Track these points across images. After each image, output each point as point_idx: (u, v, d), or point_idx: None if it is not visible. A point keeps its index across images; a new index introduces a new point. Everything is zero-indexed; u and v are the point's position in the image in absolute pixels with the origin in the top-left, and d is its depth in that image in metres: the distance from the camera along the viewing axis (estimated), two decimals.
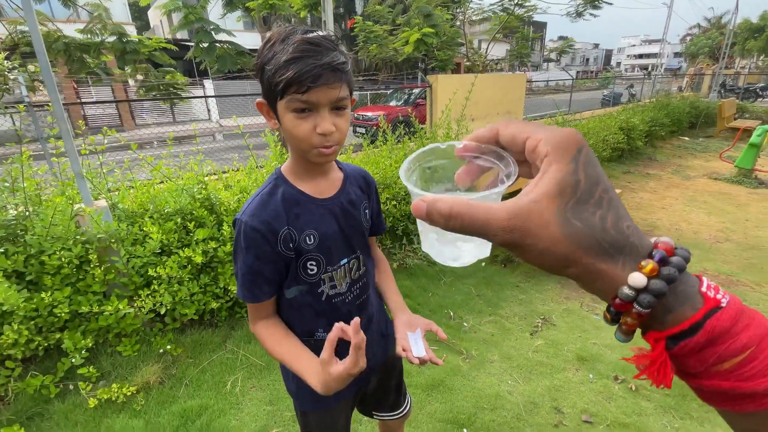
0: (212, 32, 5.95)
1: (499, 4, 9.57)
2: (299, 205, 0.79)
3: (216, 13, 7.48)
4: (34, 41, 1.68)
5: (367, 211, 0.91)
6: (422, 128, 4.00)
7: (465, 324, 2.40)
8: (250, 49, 6.83)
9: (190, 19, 5.71)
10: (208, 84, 14.67)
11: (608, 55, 69.71)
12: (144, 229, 1.96)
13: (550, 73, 34.86)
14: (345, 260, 0.86)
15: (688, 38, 34.86)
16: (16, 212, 1.83)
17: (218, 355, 2.08)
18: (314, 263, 0.82)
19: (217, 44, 6.03)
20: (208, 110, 14.06)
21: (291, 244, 0.78)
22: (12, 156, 1.90)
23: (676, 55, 49.72)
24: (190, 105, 13.29)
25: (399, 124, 3.94)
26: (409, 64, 17.28)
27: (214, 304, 2.09)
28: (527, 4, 9.49)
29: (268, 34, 0.70)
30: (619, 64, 70.54)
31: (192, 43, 6.28)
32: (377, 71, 19.64)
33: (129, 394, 1.81)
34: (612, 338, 2.26)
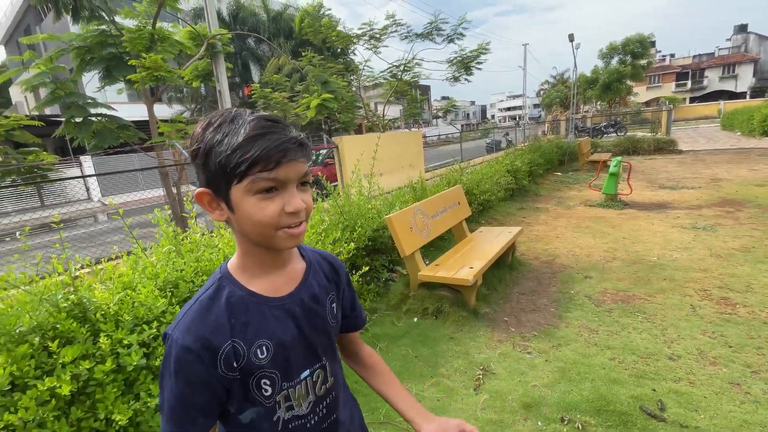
0: (87, 106, 5.36)
1: (389, 71, 10.57)
2: (248, 311, 0.66)
3: (94, 86, 6.84)
4: None
5: (334, 305, 0.79)
6: (335, 186, 3.98)
7: None
8: (134, 122, 6.31)
9: (58, 94, 5.08)
10: (87, 161, 13.11)
11: (483, 109, 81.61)
12: None
13: (440, 128, 39.10)
14: (307, 372, 0.72)
15: (541, 92, 42.58)
16: None
17: None
18: (268, 381, 0.67)
19: (93, 119, 5.43)
20: (87, 189, 12.41)
21: (235, 363, 0.64)
22: None
23: (536, 106, 60.10)
24: (63, 186, 11.57)
25: (312, 184, 3.88)
26: (312, 126, 17.80)
27: None
28: (413, 71, 10.65)
29: (202, 119, 0.64)
30: (493, 116, 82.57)
31: (62, 118, 5.56)
32: None
33: None
34: (548, 375, 2.29)
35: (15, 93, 20.49)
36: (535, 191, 7.91)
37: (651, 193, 7.12)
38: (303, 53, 9.43)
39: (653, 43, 26.45)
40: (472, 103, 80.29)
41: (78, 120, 5.21)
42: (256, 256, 0.68)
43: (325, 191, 3.82)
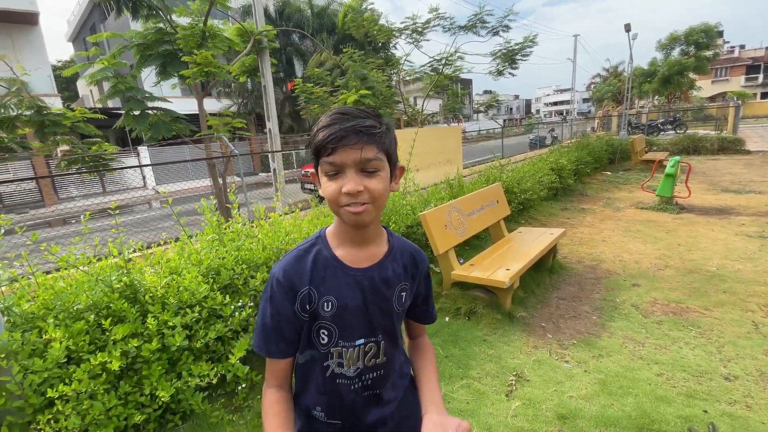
0: (144, 100, 5.73)
1: (429, 65, 10.41)
2: (327, 269, 0.78)
3: (151, 81, 7.32)
4: None
5: (404, 293, 0.84)
6: None
7: None
8: (187, 115, 6.65)
9: (119, 88, 5.47)
10: (144, 151, 14.05)
11: (528, 104, 78.41)
12: (45, 335, 1.60)
13: (480, 122, 38.13)
14: (361, 341, 0.81)
15: (592, 86, 40.24)
16: None
17: None
18: (326, 333, 0.79)
19: (150, 112, 5.79)
20: (143, 178, 13.33)
21: (308, 306, 0.78)
22: None
23: (585, 100, 56.92)
24: (122, 174, 12.51)
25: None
26: None
27: (139, 417, 1.71)
28: (454, 65, 10.42)
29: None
30: (538, 111, 79.22)
31: (122, 111, 5.99)
32: None
33: None
34: (587, 387, 2.18)
35: (81, 86, 22.31)
36: (581, 191, 7.51)
37: (712, 196, 6.53)
38: (344, 49, 9.50)
39: (720, 33, 24.08)
40: (516, 97, 77.42)
41: (136, 113, 5.59)
42: (342, 228, 0.79)
43: None
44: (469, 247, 4.30)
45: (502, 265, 3.07)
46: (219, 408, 1.94)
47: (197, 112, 6.42)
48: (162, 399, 1.72)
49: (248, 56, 7.12)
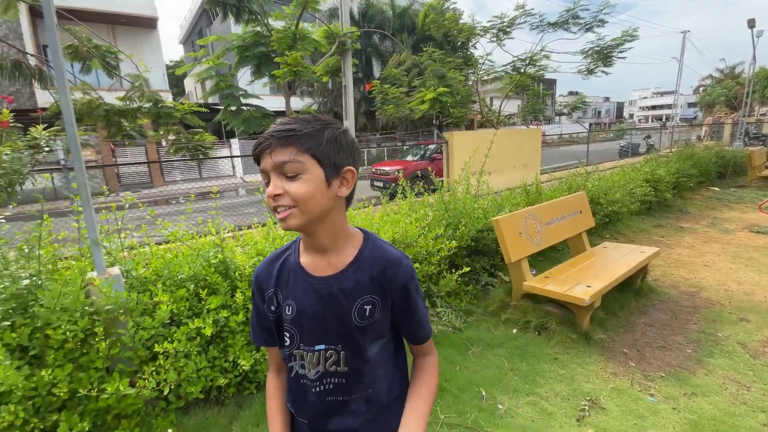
0: (240, 97, 6.32)
1: (511, 64, 9.97)
2: (290, 275, 0.80)
3: (246, 80, 8.07)
4: (64, 112, 1.73)
5: (369, 307, 0.78)
6: (440, 181, 3.97)
7: (500, 406, 2.12)
8: (275, 111, 7.19)
9: (221, 86, 6.10)
10: (235, 143, 15.50)
11: (620, 107, 71.16)
12: (155, 297, 1.86)
13: (563, 126, 35.55)
14: (322, 346, 0.80)
15: (701, 89, 35.31)
16: (28, 281, 1.77)
17: None
18: (288, 335, 0.81)
19: (244, 108, 6.37)
20: (233, 167, 14.70)
21: (272, 307, 0.82)
22: (34, 222, 1.89)
23: (690, 105, 50.18)
24: (216, 163, 13.95)
25: (417, 179, 3.94)
26: (423, 121, 17.96)
27: (222, 381, 1.91)
28: (538, 64, 9.86)
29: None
30: (631, 115, 71.58)
31: (221, 107, 6.67)
32: (394, 129, 20.48)
33: None
34: (675, 426, 1.94)
35: (188, 83, 25.25)
36: (680, 207, 6.65)
37: None
38: (424, 48, 9.50)
39: None
40: (606, 99, 70.63)
41: (233, 108, 6.18)
42: (303, 236, 0.80)
43: (432, 186, 3.83)
44: (543, 259, 4.06)
45: (581, 281, 2.85)
46: None
47: (283, 109, 6.91)
48: (243, 367, 1.90)
49: (332, 57, 7.47)
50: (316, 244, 0.77)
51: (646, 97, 72.43)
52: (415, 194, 3.70)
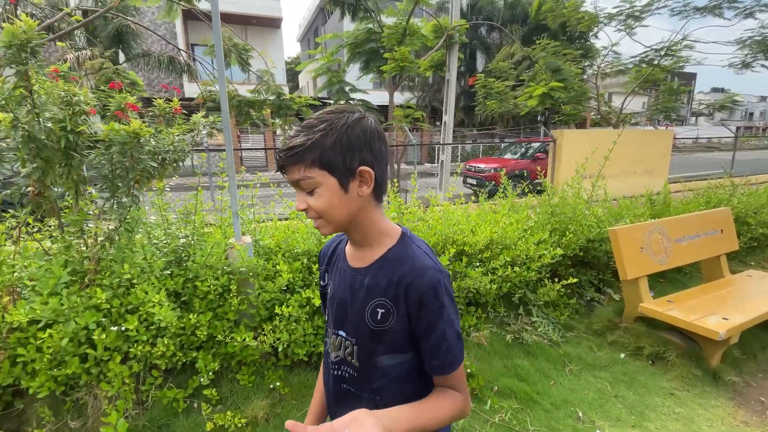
0: (348, 92, 6.72)
1: (643, 55, 8.76)
2: (337, 259, 0.85)
3: (352, 75, 8.55)
4: (222, 102, 2.06)
5: (381, 311, 0.74)
6: (544, 181, 3.71)
7: (598, 431, 1.95)
8: (378, 105, 7.48)
9: (333, 81, 6.56)
10: None
11: None
12: (276, 266, 2.12)
13: (700, 128, 30.09)
14: (343, 333, 0.82)
15: None
16: (184, 240, 2.17)
17: None
18: (327, 313, 0.87)
19: (351, 102, 6.75)
20: None
21: (322, 282, 0.89)
22: (189, 193, 2.30)
23: None
24: None
25: (516, 178, 3.73)
26: (528, 118, 16.87)
27: (322, 348, 2.10)
28: (677, 55, 8.49)
29: None
30: None
31: (331, 101, 7.17)
32: (493, 125, 19.64)
33: (239, 425, 1.89)
34: None
35: (302, 79, 27.57)
36: None
37: None
38: (537, 40, 8.89)
39: None
40: (763, 99, 57.47)
41: (342, 102, 6.61)
42: None
43: (539, 187, 3.61)
44: (664, 281, 3.54)
45: (716, 312, 2.44)
46: None
47: (385, 103, 7.15)
48: None
49: (437, 51, 7.45)
50: (352, 238, 0.79)
51: None
52: (517, 195, 3.53)
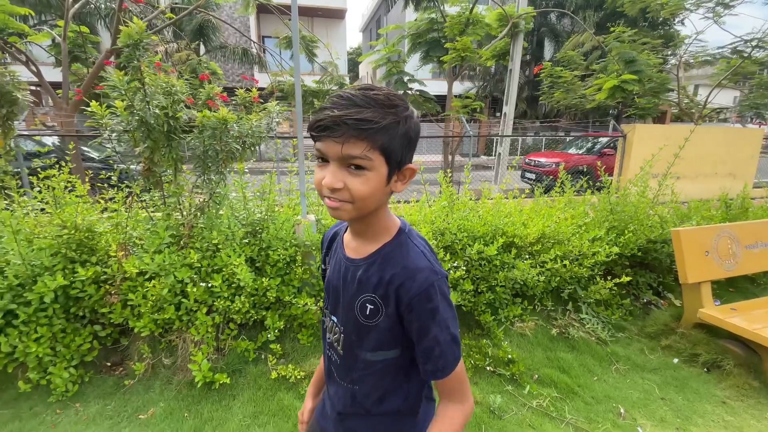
0: (407, 82, 6.82)
1: (733, 45, 7.84)
2: (336, 245, 0.85)
3: (411, 65, 8.63)
4: (296, 93, 2.30)
5: (371, 306, 0.73)
6: (609, 179, 3.57)
7: (639, 429, 1.96)
8: (436, 95, 7.50)
9: (393, 71, 6.71)
10: None
11: None
12: None
13: None
14: (335, 319, 0.82)
15: None
16: (260, 215, 2.47)
17: None
18: (325, 294, 0.88)
19: (410, 92, 6.86)
20: None
21: (323, 266, 0.90)
22: (266, 174, 2.60)
23: None
24: None
25: (580, 174, 3.61)
26: (597, 111, 15.79)
27: None
28: None
29: None
30: None
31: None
32: (558, 117, 18.59)
33: (299, 377, 2.16)
34: None
35: (362, 69, 27.99)
36: None
37: None
38: (611, 27, 8.30)
39: None
40: None
41: (400, 92, 6.75)
42: None
43: (599, 183, 3.51)
44: (733, 290, 3.30)
45: None
46: None
47: (443, 93, 7.15)
48: None
49: (501, 40, 7.28)
50: (352, 228, 0.77)
51: None
52: (576, 191, 3.46)
